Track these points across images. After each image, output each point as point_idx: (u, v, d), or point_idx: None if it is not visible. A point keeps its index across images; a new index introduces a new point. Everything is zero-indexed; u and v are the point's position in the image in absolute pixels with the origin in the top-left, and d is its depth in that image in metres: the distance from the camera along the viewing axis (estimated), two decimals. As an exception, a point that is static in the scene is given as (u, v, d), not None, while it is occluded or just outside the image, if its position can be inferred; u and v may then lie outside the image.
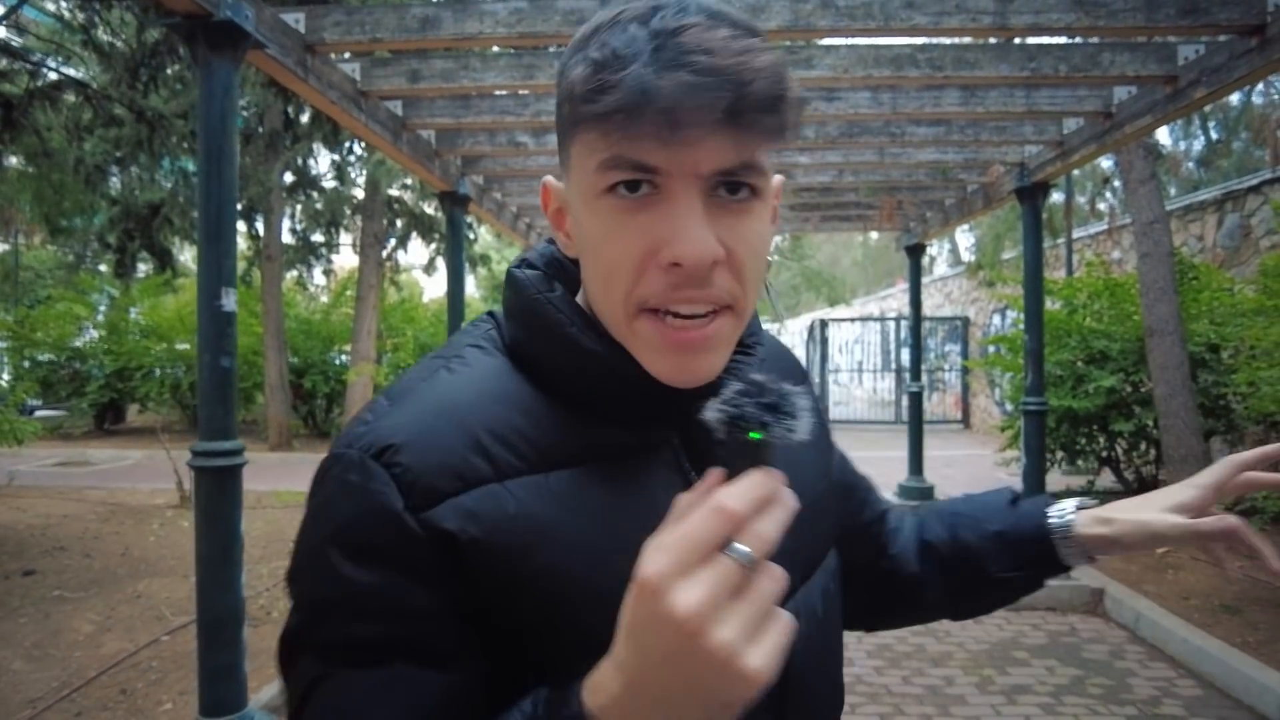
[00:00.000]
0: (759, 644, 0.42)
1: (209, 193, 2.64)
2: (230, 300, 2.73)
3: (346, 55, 3.82)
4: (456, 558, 0.53)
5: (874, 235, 31.07)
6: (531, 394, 0.60)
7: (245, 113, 11.34)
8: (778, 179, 0.60)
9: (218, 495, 2.75)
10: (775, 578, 0.43)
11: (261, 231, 12.21)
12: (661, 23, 0.51)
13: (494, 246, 22.04)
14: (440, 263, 17.97)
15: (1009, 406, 11.69)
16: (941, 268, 25.23)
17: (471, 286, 22.47)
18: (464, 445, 0.56)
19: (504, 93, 4.19)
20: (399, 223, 16.96)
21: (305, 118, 12.37)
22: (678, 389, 0.57)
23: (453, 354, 0.64)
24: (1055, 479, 7.32)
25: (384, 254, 17.90)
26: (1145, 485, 6.65)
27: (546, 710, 0.48)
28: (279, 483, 8.83)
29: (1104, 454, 6.58)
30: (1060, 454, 6.70)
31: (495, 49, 4.31)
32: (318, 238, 15.44)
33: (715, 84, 0.49)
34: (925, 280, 18.91)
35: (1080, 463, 6.70)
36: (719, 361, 0.57)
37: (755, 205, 0.55)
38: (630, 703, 0.45)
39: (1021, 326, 5.25)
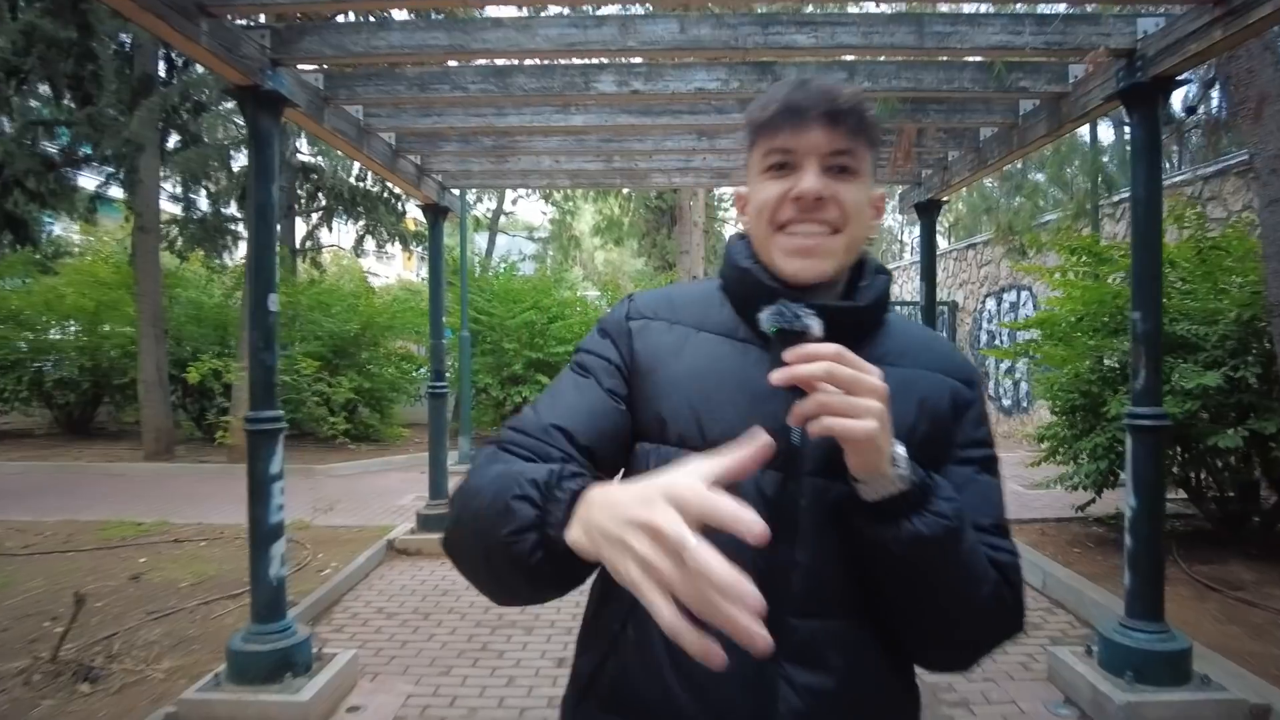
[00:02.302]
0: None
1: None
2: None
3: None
4: (630, 343, 0.98)
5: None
6: (718, 296, 1.00)
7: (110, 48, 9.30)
8: (880, 191, 0.99)
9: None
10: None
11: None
12: (799, 80, 0.94)
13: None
14: (369, 244, 16.16)
15: (1029, 403, 10.58)
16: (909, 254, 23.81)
17: (403, 269, 20.62)
18: (664, 303, 1.01)
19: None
20: (322, 197, 15.06)
21: (199, 68, 10.36)
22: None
23: (703, 279, 1.17)
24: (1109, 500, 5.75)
25: (306, 233, 16.06)
26: (1234, 522, 5.10)
27: (556, 480, 0.77)
28: (139, 503, 7.01)
29: (1185, 476, 5.02)
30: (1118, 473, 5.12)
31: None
32: (232, 210, 13.46)
33: (820, 97, 0.90)
34: (905, 262, 17.42)
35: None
36: (824, 268, 0.91)
37: (854, 180, 0.91)
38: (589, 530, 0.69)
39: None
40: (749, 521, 0.56)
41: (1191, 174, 7.45)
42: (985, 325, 11.66)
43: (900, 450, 0.81)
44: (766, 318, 0.88)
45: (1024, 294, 10.53)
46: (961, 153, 5.01)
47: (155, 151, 9.63)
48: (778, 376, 0.79)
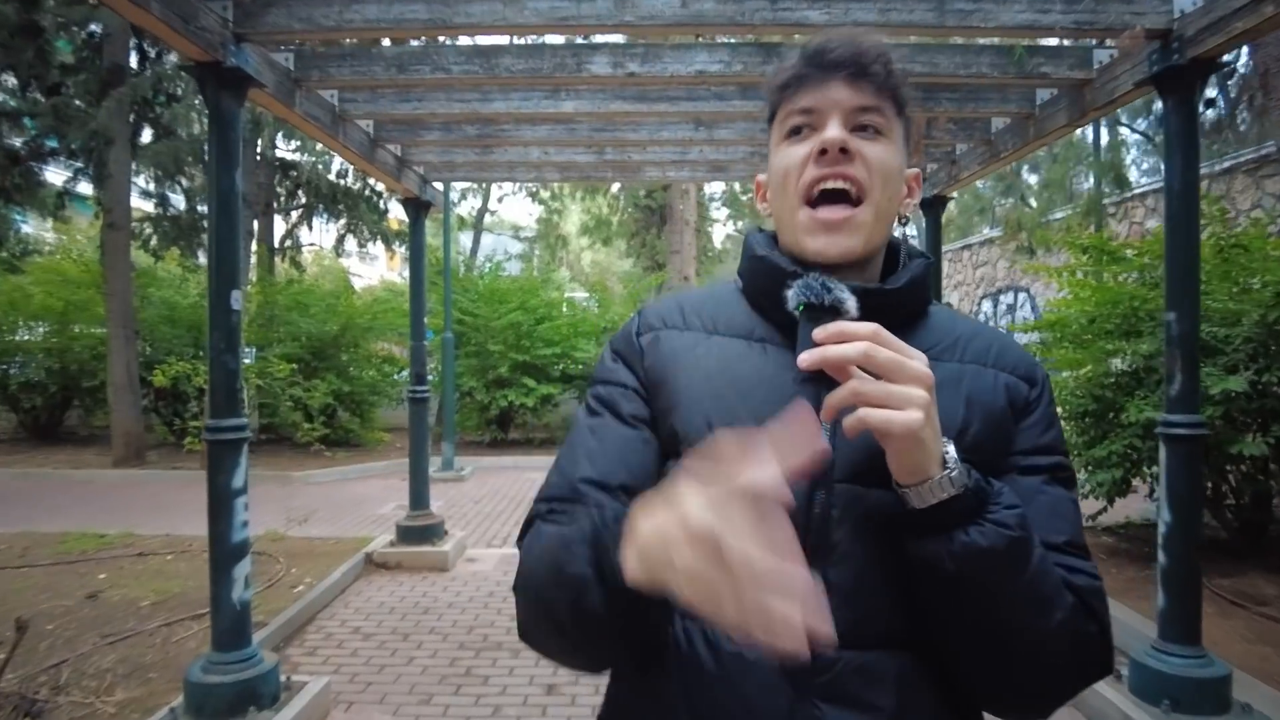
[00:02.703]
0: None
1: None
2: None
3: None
4: (643, 359, 0.90)
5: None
6: (735, 297, 0.92)
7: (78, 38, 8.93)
8: (914, 170, 0.91)
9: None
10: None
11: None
12: (826, 38, 0.85)
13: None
14: (351, 244, 15.80)
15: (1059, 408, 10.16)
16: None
17: (387, 270, 20.23)
18: (674, 310, 0.93)
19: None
20: (301, 194, 14.69)
21: (173, 58, 10.00)
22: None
23: (722, 283, 0.98)
24: (1134, 505, 5.57)
25: (285, 231, 15.67)
26: (1253, 533, 4.89)
27: (602, 526, 0.72)
28: (105, 513, 6.63)
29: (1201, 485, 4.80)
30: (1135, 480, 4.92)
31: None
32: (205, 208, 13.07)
33: (843, 48, 0.82)
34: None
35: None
36: (852, 244, 0.82)
37: (881, 140, 0.83)
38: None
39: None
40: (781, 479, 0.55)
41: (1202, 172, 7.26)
42: (980, 327, 11.48)
43: (951, 450, 0.71)
44: (793, 293, 0.79)
45: (1021, 295, 10.36)
46: (971, 145, 4.78)
47: (126, 145, 9.26)
48: (806, 359, 0.71)
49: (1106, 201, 7.99)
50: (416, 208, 5.60)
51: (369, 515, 7.22)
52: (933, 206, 5.55)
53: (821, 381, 0.73)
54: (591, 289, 13.73)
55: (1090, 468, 5.06)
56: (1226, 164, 7.03)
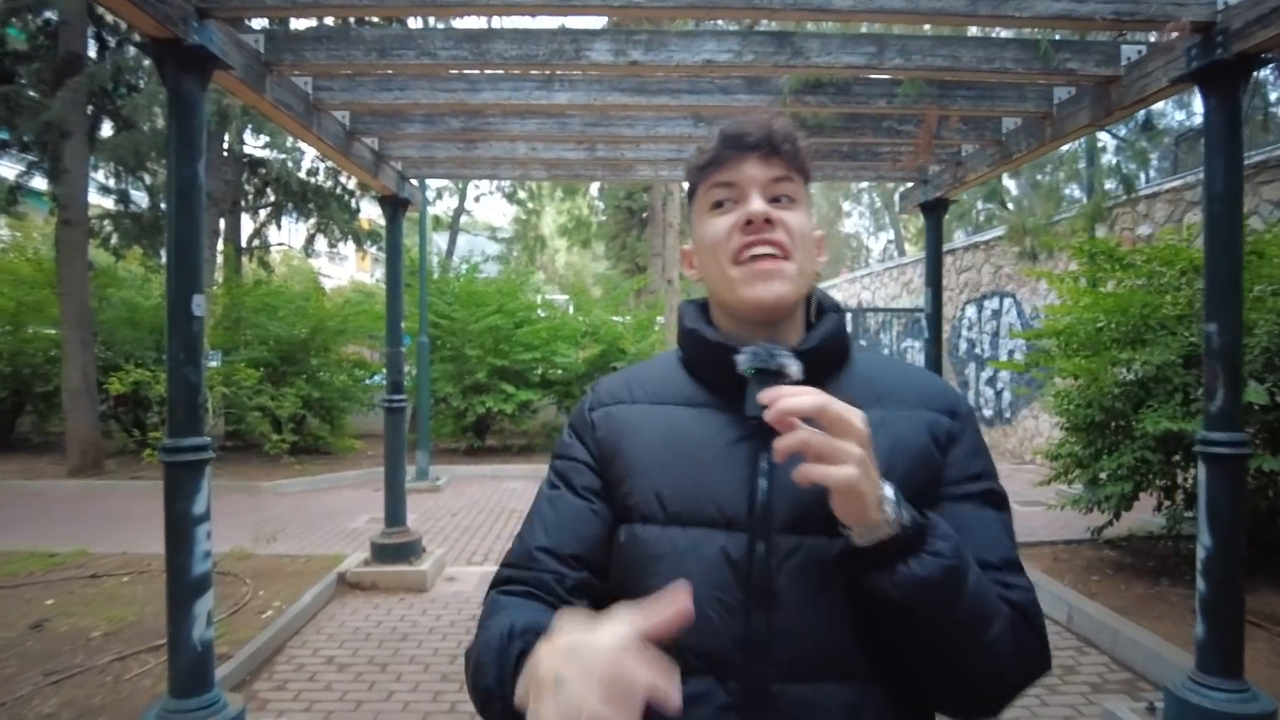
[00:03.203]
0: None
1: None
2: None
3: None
4: (595, 433, 0.95)
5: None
6: (676, 367, 0.99)
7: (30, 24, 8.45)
8: (820, 232, 0.97)
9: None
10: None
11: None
12: (740, 118, 0.95)
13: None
14: (321, 244, 15.34)
15: (1011, 414, 10.26)
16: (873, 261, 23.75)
17: (357, 270, 19.74)
18: (622, 386, 0.99)
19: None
20: (270, 192, 14.22)
21: (132, 50, 9.53)
22: (732, 360, 0.87)
23: (665, 353, 1.06)
24: (1135, 517, 5.42)
25: (253, 231, 15.15)
26: (1263, 549, 4.74)
27: (506, 642, 0.79)
28: (57, 528, 6.14)
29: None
30: (1159, 495, 4.76)
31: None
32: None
33: (756, 132, 0.91)
34: (878, 268, 17.15)
35: (1186, 513, 4.72)
36: (784, 291, 0.89)
37: (795, 207, 0.92)
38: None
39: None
40: (666, 693, 0.58)
41: (1195, 178, 7.19)
42: (965, 333, 11.37)
43: (889, 492, 0.78)
44: (744, 359, 0.86)
45: (1007, 301, 10.26)
46: (980, 146, 4.59)
47: (83, 138, 8.79)
48: (772, 413, 0.75)
49: (1106, 204, 7.84)
50: (394, 206, 5.29)
51: (341, 529, 6.87)
52: (934, 210, 5.36)
53: (754, 438, 0.86)
54: (571, 293, 13.43)
55: (1098, 481, 4.90)
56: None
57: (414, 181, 5.54)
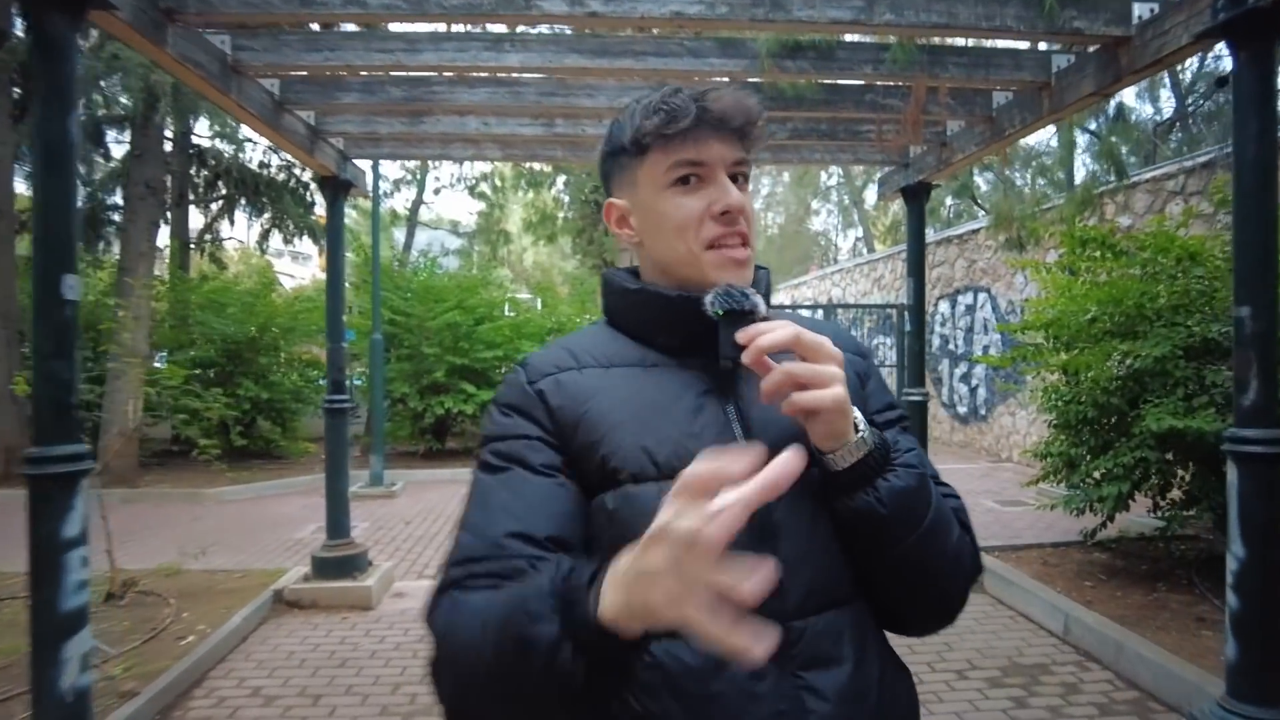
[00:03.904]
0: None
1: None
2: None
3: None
4: (547, 404, 0.88)
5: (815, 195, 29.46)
6: (611, 334, 0.96)
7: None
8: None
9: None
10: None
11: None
12: (701, 93, 0.88)
13: (352, 220, 18.54)
14: (277, 240, 14.69)
15: (987, 411, 9.98)
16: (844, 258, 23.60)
17: (320, 269, 19.09)
18: (563, 355, 0.93)
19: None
20: (222, 184, 13.57)
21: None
22: (695, 314, 0.87)
23: (592, 325, 1.02)
24: (1125, 517, 5.16)
25: (204, 225, 14.47)
26: None
27: (561, 580, 0.70)
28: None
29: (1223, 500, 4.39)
30: (1155, 496, 4.49)
31: None
32: (117, 198, 11.83)
33: (735, 111, 0.87)
34: (848, 264, 16.93)
35: (1184, 513, 4.43)
36: (747, 275, 0.90)
37: (746, 187, 0.91)
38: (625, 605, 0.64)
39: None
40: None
41: (1177, 167, 6.97)
42: (938, 329, 11.14)
43: (858, 414, 0.81)
44: (712, 299, 0.85)
45: (981, 296, 10.04)
46: (968, 124, 4.27)
47: (6, 120, 8.16)
48: (750, 354, 0.78)
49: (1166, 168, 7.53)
50: (335, 189, 4.84)
51: (285, 540, 6.38)
52: (916, 195, 5.05)
53: (721, 392, 0.88)
54: (538, 290, 12.98)
55: (1090, 480, 4.62)
56: (1203, 158, 6.75)
57: (359, 163, 5.10)
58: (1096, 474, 4.54)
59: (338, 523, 4.89)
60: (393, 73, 3.71)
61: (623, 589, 0.64)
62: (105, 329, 9.25)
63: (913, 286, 5.03)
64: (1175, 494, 4.54)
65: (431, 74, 3.78)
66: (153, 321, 9.79)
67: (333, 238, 4.95)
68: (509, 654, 0.70)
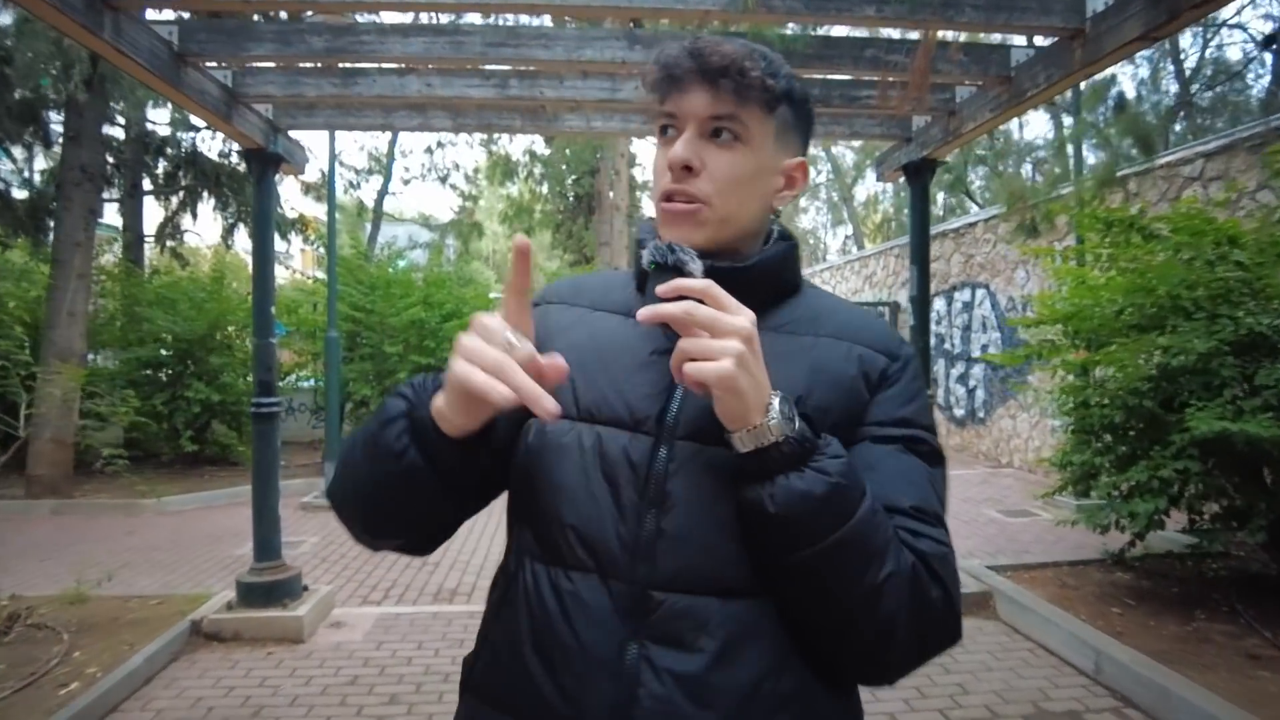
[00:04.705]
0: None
1: None
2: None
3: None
4: (541, 320, 0.89)
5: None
6: (627, 281, 0.97)
7: None
8: (799, 160, 0.91)
9: None
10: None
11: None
12: (695, 41, 0.85)
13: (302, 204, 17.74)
14: (242, 235, 14.01)
15: (986, 414, 9.54)
16: (833, 257, 23.13)
17: (304, 267, 18.38)
18: (571, 289, 1.01)
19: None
20: (182, 175, 12.90)
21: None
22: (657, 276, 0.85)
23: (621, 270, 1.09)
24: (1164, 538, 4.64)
25: (165, 219, 13.76)
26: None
27: (432, 378, 0.81)
28: None
29: (1247, 507, 3.86)
30: (1195, 507, 3.96)
31: None
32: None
33: (692, 56, 0.83)
34: (838, 261, 16.42)
35: (1229, 530, 3.91)
36: (694, 238, 0.85)
37: (737, 146, 0.85)
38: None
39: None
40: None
41: (1192, 151, 6.48)
42: (933, 327, 10.64)
43: (777, 401, 0.76)
44: (646, 253, 0.86)
45: (980, 292, 9.53)
46: (982, 86, 3.73)
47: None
48: (643, 313, 0.76)
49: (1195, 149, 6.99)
50: (263, 163, 4.23)
51: (221, 557, 5.76)
52: (920, 173, 4.51)
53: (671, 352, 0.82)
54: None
55: (1115, 494, 4.10)
56: (1221, 141, 6.26)
57: (292, 135, 4.50)
58: (1124, 486, 4.02)
59: (266, 542, 4.29)
60: (309, 15, 3.12)
61: (447, 387, 0.75)
62: (44, 327, 8.59)
63: (916, 276, 4.49)
64: (1213, 508, 4.03)
65: (357, 19, 3.20)
66: (94, 318, 9.15)
67: (261, 220, 4.35)
68: (370, 426, 0.82)
